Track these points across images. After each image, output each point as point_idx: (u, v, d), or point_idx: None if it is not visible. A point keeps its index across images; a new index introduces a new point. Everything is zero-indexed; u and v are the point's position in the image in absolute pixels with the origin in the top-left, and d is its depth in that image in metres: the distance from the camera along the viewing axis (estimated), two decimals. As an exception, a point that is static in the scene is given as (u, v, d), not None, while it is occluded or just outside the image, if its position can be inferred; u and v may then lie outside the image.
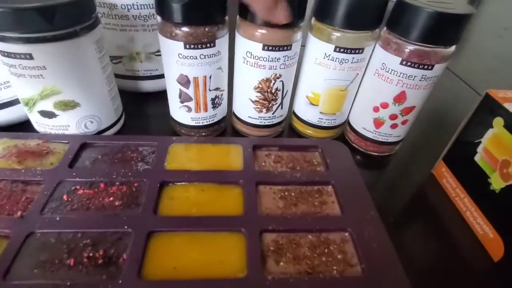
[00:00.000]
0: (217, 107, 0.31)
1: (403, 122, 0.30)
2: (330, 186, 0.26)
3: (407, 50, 0.26)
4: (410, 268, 0.21)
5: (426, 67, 0.26)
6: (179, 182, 0.25)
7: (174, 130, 0.33)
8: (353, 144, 0.34)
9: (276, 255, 0.21)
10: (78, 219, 0.22)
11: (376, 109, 0.30)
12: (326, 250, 0.22)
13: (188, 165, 0.27)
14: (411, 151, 0.34)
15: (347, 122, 0.34)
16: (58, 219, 0.21)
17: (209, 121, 0.31)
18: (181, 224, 0.22)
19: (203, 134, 0.32)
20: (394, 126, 0.30)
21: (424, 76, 0.26)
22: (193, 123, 0.31)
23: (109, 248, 0.20)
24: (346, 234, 0.23)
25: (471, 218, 0.26)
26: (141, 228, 0.21)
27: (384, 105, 0.29)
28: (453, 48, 0.26)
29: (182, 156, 0.28)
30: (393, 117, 0.29)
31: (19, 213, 0.22)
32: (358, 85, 0.31)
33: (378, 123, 0.30)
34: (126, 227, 0.21)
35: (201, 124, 0.31)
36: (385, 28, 0.27)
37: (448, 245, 0.26)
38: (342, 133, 0.35)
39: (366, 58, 0.28)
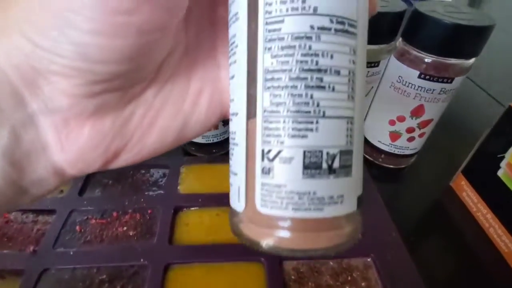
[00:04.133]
0: (228, 123, 0.30)
1: (420, 135, 0.29)
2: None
3: (425, 63, 0.25)
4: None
5: (445, 80, 0.25)
6: (193, 207, 0.24)
7: (184, 148, 0.32)
8: (368, 157, 0.33)
9: (298, 284, 0.20)
10: (92, 252, 0.21)
11: (392, 123, 0.29)
12: (349, 278, 0.21)
13: (201, 187, 0.26)
14: (427, 163, 0.33)
15: (360, 134, 0.33)
16: (71, 253, 0.21)
17: (220, 138, 0.30)
18: (198, 255, 0.21)
19: (214, 151, 0.31)
20: (411, 139, 0.29)
21: (443, 89, 0.25)
22: (203, 141, 0.30)
23: (126, 283, 0.20)
24: (369, 259, 0.22)
25: (494, 235, 0.26)
26: (157, 261, 0.21)
27: (401, 119, 0.28)
28: (473, 59, 0.24)
29: (194, 178, 0.27)
30: (410, 130, 0.28)
31: (31, 248, 0.21)
32: (372, 98, 0.30)
33: (394, 136, 0.29)
34: (142, 260, 0.21)
35: (211, 141, 0.30)
36: (400, 39, 0.26)
37: (472, 264, 0.25)
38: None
39: (381, 71, 0.27)
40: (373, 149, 0.32)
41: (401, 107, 0.27)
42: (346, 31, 0.10)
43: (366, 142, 0.32)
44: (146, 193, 0.25)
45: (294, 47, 0.10)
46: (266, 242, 0.11)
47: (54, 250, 0.21)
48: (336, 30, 0.10)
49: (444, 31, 0.23)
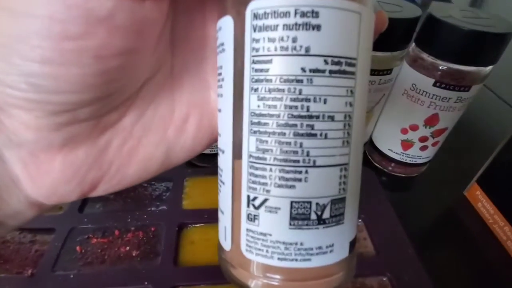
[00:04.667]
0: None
1: (434, 144, 0.28)
2: (359, 220, 0.24)
3: (440, 71, 0.23)
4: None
5: (462, 88, 0.23)
6: (199, 224, 0.23)
7: (187, 158, 0.31)
8: (377, 165, 0.32)
9: (311, 308, 0.19)
10: (93, 275, 0.20)
11: (404, 131, 0.27)
12: (364, 299, 0.20)
13: (206, 202, 0.25)
14: (440, 171, 0.32)
15: (369, 142, 0.32)
16: (72, 276, 0.20)
17: (225, 148, 0.29)
18: (205, 276, 0.20)
19: (218, 161, 0.30)
20: (424, 148, 0.28)
21: (459, 98, 0.24)
22: (207, 151, 0.29)
23: (129, 309, 0.19)
24: (385, 278, 0.21)
25: (513, 248, 0.25)
26: (162, 284, 0.19)
27: (414, 128, 0.27)
28: (491, 67, 0.23)
29: (199, 192, 0.26)
30: (423, 139, 0.27)
31: (29, 271, 0.20)
32: (383, 105, 0.29)
33: (406, 145, 0.28)
34: (146, 283, 0.19)
35: (215, 152, 0.29)
36: (413, 45, 0.25)
37: (489, 279, 0.24)
38: (364, 151, 0.33)
39: (394, 78, 0.26)
40: (383, 158, 0.30)
41: (414, 115, 0.26)
42: (343, 72, 0.09)
43: (376, 150, 0.31)
44: (148, 208, 0.24)
45: (283, 90, 0.09)
46: (255, 286, 0.10)
47: (53, 273, 0.20)
48: (332, 72, 0.09)
49: (462, 38, 0.21)
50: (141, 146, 0.12)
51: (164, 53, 0.11)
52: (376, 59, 0.24)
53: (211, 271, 0.20)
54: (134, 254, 0.21)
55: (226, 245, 0.11)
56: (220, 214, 0.11)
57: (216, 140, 0.12)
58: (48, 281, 0.19)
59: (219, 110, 0.11)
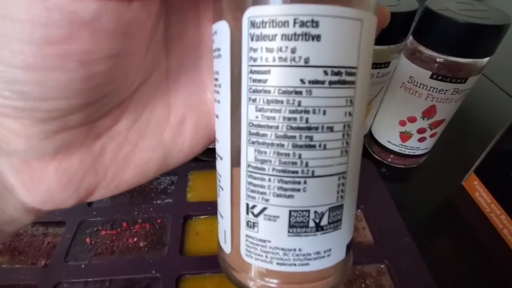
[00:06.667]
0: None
1: (432, 135, 0.28)
2: (359, 210, 0.25)
3: (437, 63, 0.24)
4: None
5: (458, 80, 0.24)
6: (203, 215, 0.24)
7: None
8: (377, 157, 0.32)
9: (311, 294, 0.20)
10: (103, 265, 0.21)
11: (402, 123, 0.28)
12: (363, 285, 0.21)
13: (210, 194, 0.26)
14: (438, 161, 0.33)
15: (368, 134, 0.33)
16: (83, 266, 0.21)
17: (227, 142, 0.30)
18: (210, 265, 0.21)
19: (221, 155, 0.31)
20: (422, 139, 0.28)
21: (456, 90, 0.24)
22: (211, 146, 0.30)
23: (138, 297, 0.20)
24: (382, 266, 0.22)
25: (509, 236, 0.25)
26: (169, 272, 0.20)
27: (412, 119, 0.27)
28: (488, 58, 0.24)
29: (203, 184, 0.27)
30: (421, 131, 0.28)
31: (43, 261, 0.21)
32: (381, 98, 0.29)
33: (404, 137, 0.29)
34: (153, 271, 0.20)
35: (218, 146, 0.30)
36: (411, 37, 0.26)
37: (485, 266, 0.24)
38: (364, 143, 0.34)
39: (392, 71, 0.27)
40: (382, 149, 0.31)
41: (412, 107, 0.27)
42: (343, 82, 0.09)
43: (375, 142, 0.32)
44: (154, 201, 0.25)
45: (281, 102, 0.09)
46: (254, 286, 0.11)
47: (65, 264, 0.21)
48: (331, 83, 0.09)
49: (458, 31, 0.22)
50: (137, 150, 0.12)
51: (158, 54, 0.11)
52: (374, 53, 0.24)
53: (215, 260, 0.21)
54: (141, 245, 0.22)
55: (226, 247, 0.11)
56: (219, 218, 0.12)
57: (213, 141, 0.12)
58: (61, 271, 0.20)
59: (217, 116, 0.11)
